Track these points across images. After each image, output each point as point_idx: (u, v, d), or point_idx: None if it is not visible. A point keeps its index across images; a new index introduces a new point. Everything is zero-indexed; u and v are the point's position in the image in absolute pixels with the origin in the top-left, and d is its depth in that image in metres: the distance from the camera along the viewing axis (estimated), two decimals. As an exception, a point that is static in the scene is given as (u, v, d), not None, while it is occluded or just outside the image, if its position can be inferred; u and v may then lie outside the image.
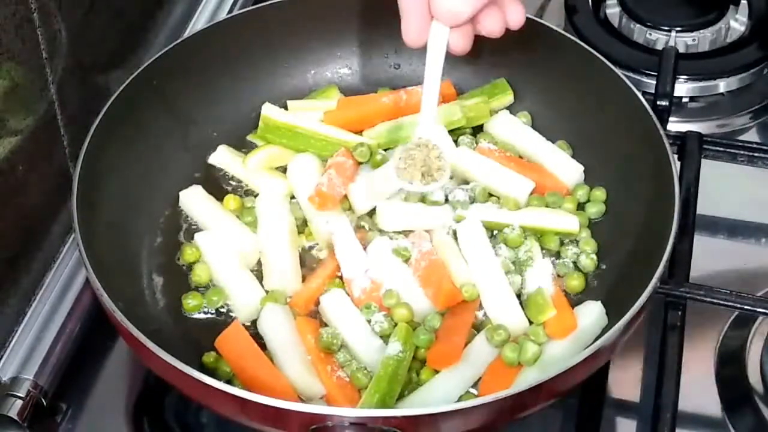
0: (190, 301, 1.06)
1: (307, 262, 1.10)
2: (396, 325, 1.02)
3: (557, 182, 1.16)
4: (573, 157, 1.18)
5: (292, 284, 1.07)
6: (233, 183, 1.18)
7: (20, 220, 1.07)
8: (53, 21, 1.07)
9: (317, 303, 1.05)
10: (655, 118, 1.09)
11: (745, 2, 1.44)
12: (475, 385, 1.00)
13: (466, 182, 1.15)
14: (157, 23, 1.31)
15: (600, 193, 1.14)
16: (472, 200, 1.13)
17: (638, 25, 1.41)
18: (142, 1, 1.28)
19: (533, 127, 1.21)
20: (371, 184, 1.12)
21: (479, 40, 1.24)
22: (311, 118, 1.19)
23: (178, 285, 1.08)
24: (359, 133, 1.19)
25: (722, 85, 1.36)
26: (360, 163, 1.16)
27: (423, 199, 1.13)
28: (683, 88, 1.35)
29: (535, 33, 1.20)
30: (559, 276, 1.08)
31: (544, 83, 1.22)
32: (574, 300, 1.07)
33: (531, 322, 1.03)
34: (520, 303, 1.05)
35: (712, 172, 1.21)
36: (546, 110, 1.22)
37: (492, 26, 0.96)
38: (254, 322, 1.05)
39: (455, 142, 1.18)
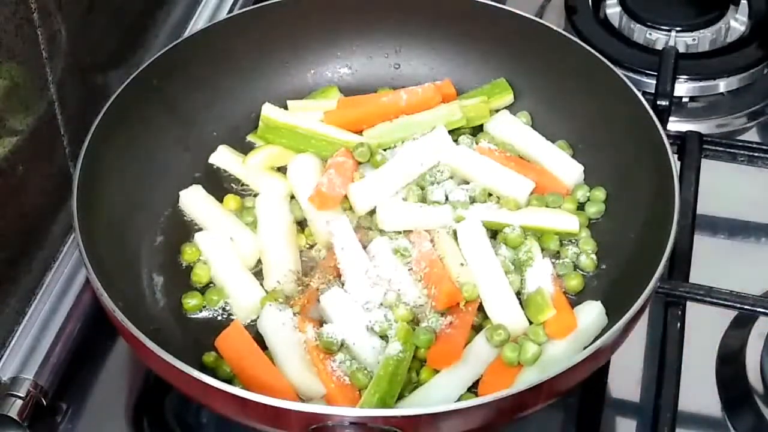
0: (190, 301, 1.06)
1: (307, 262, 1.10)
2: (396, 324, 1.02)
3: (557, 182, 1.16)
4: (573, 157, 1.18)
5: (292, 284, 1.07)
6: (233, 183, 1.18)
7: (20, 220, 1.07)
8: (53, 21, 1.07)
9: (317, 303, 1.05)
10: (655, 118, 1.09)
11: (745, 2, 1.44)
12: (474, 385, 1.00)
13: (466, 182, 1.15)
14: (157, 23, 1.31)
15: (600, 193, 1.14)
16: (472, 200, 1.13)
17: (638, 25, 1.41)
18: (142, 1, 1.28)
19: (533, 127, 1.21)
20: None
21: (479, 41, 1.25)
22: (311, 118, 1.19)
23: (178, 285, 1.08)
24: (359, 133, 1.19)
25: (722, 85, 1.36)
26: (360, 163, 1.16)
27: (423, 199, 1.13)
28: (683, 88, 1.35)
29: (535, 33, 1.21)
30: (558, 276, 1.08)
31: (544, 83, 1.22)
32: (574, 300, 1.07)
33: (531, 322, 1.03)
34: (520, 303, 1.05)
35: (712, 172, 1.21)
36: (546, 110, 1.22)
37: None
38: (254, 322, 1.05)
39: (455, 142, 1.18)
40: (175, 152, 1.17)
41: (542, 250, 1.10)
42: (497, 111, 1.22)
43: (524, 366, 1.00)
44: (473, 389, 1.00)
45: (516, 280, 1.06)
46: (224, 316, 1.07)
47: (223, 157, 1.19)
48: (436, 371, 1.00)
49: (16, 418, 1.01)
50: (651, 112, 1.10)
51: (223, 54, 1.21)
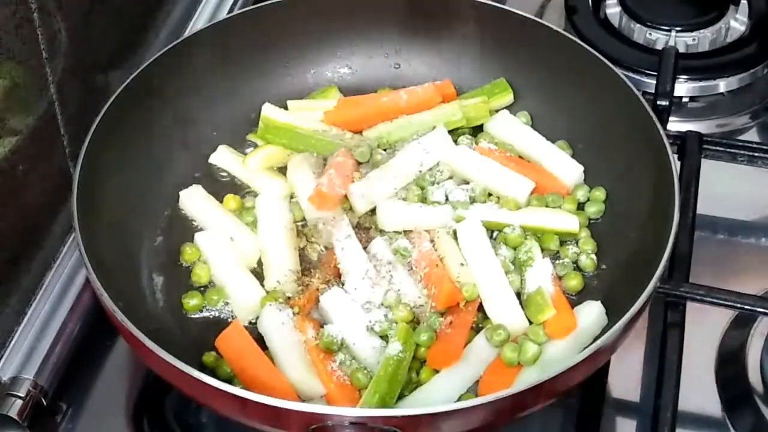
0: (191, 301, 1.06)
1: (307, 262, 1.10)
2: (396, 324, 1.02)
3: (557, 182, 1.16)
4: (573, 157, 1.18)
5: (292, 284, 1.07)
6: (233, 183, 1.18)
7: (20, 220, 1.07)
8: (53, 21, 1.07)
9: (317, 303, 1.05)
10: (655, 118, 1.09)
11: (745, 2, 1.44)
12: (475, 385, 1.00)
13: (466, 182, 1.15)
14: (157, 23, 1.31)
15: (600, 193, 1.14)
16: (472, 200, 1.13)
17: (638, 25, 1.41)
18: (142, 1, 1.28)
19: (533, 127, 1.21)
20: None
21: (479, 41, 1.25)
22: (311, 118, 1.19)
23: (178, 285, 1.08)
24: (359, 133, 1.19)
25: (722, 85, 1.36)
26: (360, 163, 1.16)
27: (423, 199, 1.13)
28: (683, 88, 1.35)
29: (535, 33, 1.21)
30: (558, 276, 1.08)
31: (544, 83, 1.22)
32: (574, 300, 1.07)
33: (531, 322, 1.03)
34: (520, 303, 1.05)
35: (712, 172, 1.21)
36: (546, 110, 1.22)
37: None
38: (254, 322, 1.05)
39: (455, 142, 1.18)
40: (175, 152, 1.17)
41: (542, 250, 1.10)
42: (497, 111, 1.22)
43: (524, 366, 1.00)
44: (473, 389, 1.00)
45: (516, 280, 1.06)
46: (224, 316, 1.07)
47: (223, 157, 1.19)
48: (436, 371, 1.00)
49: (16, 418, 1.01)
50: (651, 112, 1.10)
51: (223, 54, 1.21)
